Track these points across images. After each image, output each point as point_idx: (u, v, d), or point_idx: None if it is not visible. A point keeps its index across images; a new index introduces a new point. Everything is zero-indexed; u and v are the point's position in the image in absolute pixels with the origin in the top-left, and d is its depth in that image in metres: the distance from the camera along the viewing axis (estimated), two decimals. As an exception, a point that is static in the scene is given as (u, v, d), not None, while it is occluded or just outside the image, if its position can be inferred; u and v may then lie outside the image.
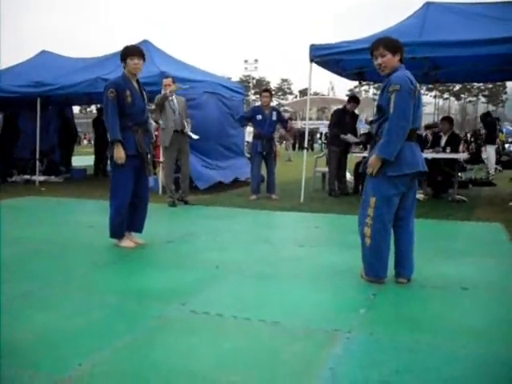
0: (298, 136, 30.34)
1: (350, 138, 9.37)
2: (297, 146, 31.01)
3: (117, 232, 5.21)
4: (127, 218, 5.24)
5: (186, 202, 8.43)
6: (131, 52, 5.12)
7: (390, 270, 4.01)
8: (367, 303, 3.56)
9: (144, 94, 5.27)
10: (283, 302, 3.56)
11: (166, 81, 8.09)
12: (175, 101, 8.16)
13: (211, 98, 10.69)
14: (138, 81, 5.23)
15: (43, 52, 12.43)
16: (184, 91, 8.73)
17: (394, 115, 3.75)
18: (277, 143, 10.28)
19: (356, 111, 10.23)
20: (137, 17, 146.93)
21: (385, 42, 3.95)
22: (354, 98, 10.09)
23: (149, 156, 5.33)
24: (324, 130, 33.50)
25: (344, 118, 9.52)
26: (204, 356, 2.69)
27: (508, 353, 2.79)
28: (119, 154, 4.99)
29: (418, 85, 3.89)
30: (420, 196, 8.71)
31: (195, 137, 8.40)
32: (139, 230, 5.39)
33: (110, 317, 3.29)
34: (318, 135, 36.86)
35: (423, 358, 2.67)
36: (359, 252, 4.07)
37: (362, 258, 4.07)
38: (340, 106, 10.61)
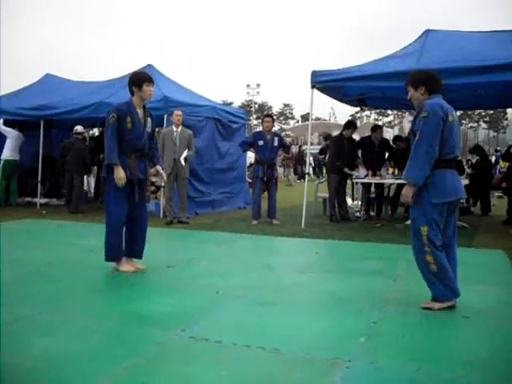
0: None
1: (348, 171, 9.48)
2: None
3: (111, 254, 5.18)
4: (126, 244, 5.23)
5: (183, 222, 8.73)
6: (148, 78, 5.15)
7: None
8: (367, 331, 3.53)
9: (149, 120, 5.26)
10: (283, 329, 3.54)
11: (176, 113, 8.66)
12: (179, 133, 8.62)
13: (212, 123, 10.76)
14: (144, 107, 5.24)
15: (47, 75, 12.54)
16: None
17: (418, 141, 3.83)
18: (278, 168, 10.29)
19: (356, 136, 10.16)
20: (139, 41, 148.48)
21: (408, 80, 4.14)
22: (351, 124, 9.63)
23: (146, 182, 5.32)
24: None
25: (342, 146, 9.45)
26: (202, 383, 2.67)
27: (508, 382, 2.77)
28: (119, 174, 5.00)
29: (452, 113, 3.93)
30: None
31: (183, 163, 8.80)
32: (139, 256, 5.36)
33: (109, 342, 3.28)
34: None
35: (424, 388, 2.64)
36: (359, 279, 4.06)
37: (428, 286, 4.03)
38: (337, 133, 10.54)
